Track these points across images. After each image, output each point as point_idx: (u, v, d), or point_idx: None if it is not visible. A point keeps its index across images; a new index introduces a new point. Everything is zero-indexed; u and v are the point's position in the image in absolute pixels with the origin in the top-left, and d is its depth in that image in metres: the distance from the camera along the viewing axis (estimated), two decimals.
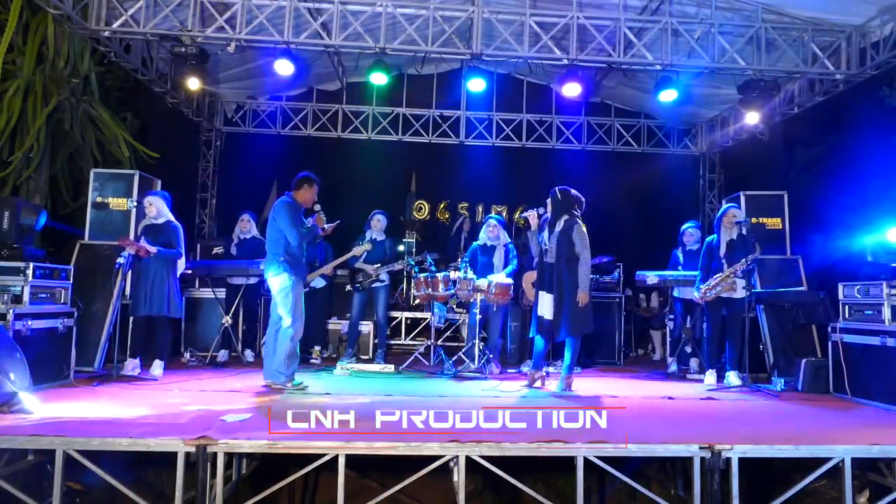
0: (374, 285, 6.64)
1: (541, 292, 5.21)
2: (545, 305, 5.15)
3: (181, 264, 5.72)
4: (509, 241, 6.58)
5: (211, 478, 3.11)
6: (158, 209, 5.63)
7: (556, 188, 5.29)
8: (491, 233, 6.50)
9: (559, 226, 5.13)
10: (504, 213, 10.13)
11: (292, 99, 9.82)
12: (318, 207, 5.23)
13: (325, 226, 5.32)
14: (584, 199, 5.31)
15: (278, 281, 4.93)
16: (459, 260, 6.69)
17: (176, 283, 5.61)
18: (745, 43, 6.62)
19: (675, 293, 6.79)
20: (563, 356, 5.33)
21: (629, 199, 9.87)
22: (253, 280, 6.90)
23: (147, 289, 5.43)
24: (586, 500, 3.25)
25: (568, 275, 5.05)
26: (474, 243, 6.71)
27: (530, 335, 5.49)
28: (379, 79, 7.65)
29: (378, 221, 6.74)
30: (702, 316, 6.45)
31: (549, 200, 5.27)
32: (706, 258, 5.92)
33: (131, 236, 6.02)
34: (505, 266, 6.38)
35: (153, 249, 5.41)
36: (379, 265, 6.57)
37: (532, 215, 5.36)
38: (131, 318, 5.62)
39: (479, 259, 6.44)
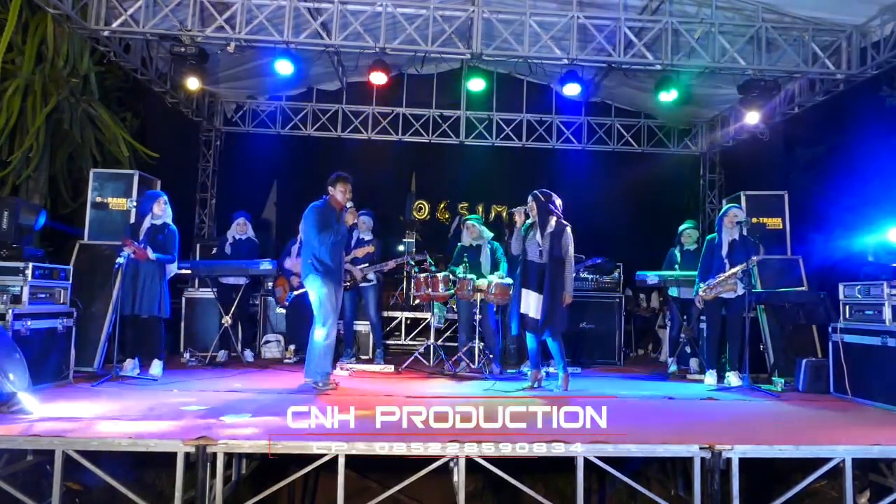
0: (361, 285, 6.61)
1: (525, 290, 5.23)
2: (531, 304, 5.17)
3: (172, 268, 5.74)
4: (491, 237, 6.58)
5: (211, 478, 3.10)
6: (163, 210, 5.65)
7: (537, 191, 5.32)
8: (471, 233, 6.53)
9: (550, 227, 5.16)
10: (504, 214, 10.12)
11: (292, 99, 9.81)
12: (349, 205, 5.02)
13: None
14: (561, 203, 5.35)
15: (308, 285, 4.94)
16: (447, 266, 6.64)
17: (166, 284, 5.63)
18: (746, 43, 6.61)
19: (673, 292, 6.78)
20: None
21: (629, 199, 9.86)
22: (247, 280, 6.91)
23: (138, 289, 5.42)
24: (586, 501, 3.25)
25: (557, 275, 5.11)
26: (459, 245, 6.71)
27: (512, 332, 5.56)
28: (380, 78, 7.64)
29: (363, 223, 6.69)
30: (700, 316, 6.45)
31: (532, 202, 5.30)
32: (707, 257, 5.91)
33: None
34: (493, 264, 6.39)
35: (153, 256, 5.42)
36: (367, 265, 6.54)
37: (520, 211, 5.39)
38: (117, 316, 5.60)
39: (466, 260, 6.41)
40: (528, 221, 5.35)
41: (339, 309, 5.09)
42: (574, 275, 5.41)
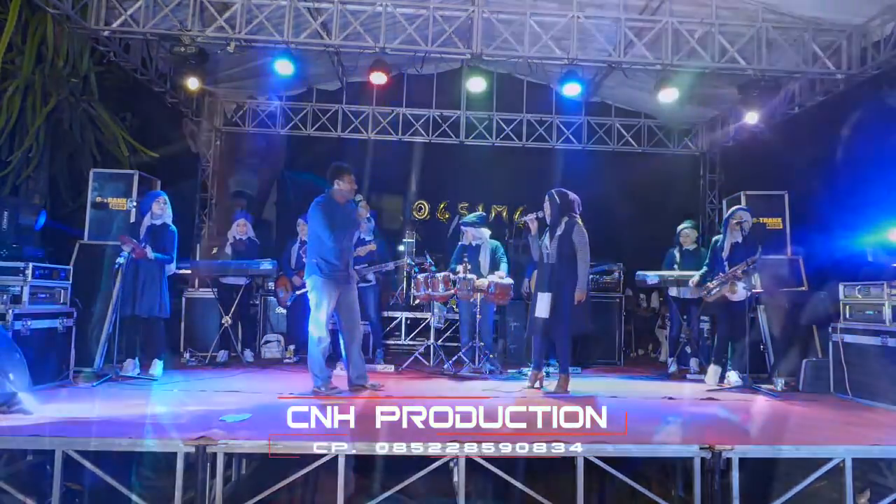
0: (360, 286, 6.57)
1: (539, 294, 5.21)
2: (542, 305, 5.15)
3: (171, 268, 5.75)
4: (489, 235, 6.57)
5: (210, 478, 3.10)
6: (163, 209, 5.64)
7: (553, 191, 5.28)
8: (466, 236, 6.55)
9: (560, 228, 5.14)
10: (504, 213, 10.14)
11: (292, 99, 9.79)
12: (359, 198, 4.84)
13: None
14: (580, 200, 5.31)
15: (308, 284, 4.89)
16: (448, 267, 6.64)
17: (165, 283, 5.63)
18: (746, 43, 6.61)
19: (672, 293, 6.77)
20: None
21: (629, 199, 9.86)
22: (247, 280, 6.91)
23: (137, 289, 5.42)
24: (586, 501, 3.25)
25: (567, 274, 5.07)
26: (459, 244, 6.71)
27: (527, 335, 5.50)
28: (380, 78, 7.62)
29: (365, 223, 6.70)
30: (700, 316, 6.43)
31: (546, 203, 5.27)
32: (711, 259, 5.91)
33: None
34: (492, 264, 6.37)
35: (151, 255, 5.41)
36: (366, 265, 6.51)
37: (531, 218, 5.36)
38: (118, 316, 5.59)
39: (466, 259, 6.40)
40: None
41: (343, 310, 4.95)
42: (590, 271, 5.28)
